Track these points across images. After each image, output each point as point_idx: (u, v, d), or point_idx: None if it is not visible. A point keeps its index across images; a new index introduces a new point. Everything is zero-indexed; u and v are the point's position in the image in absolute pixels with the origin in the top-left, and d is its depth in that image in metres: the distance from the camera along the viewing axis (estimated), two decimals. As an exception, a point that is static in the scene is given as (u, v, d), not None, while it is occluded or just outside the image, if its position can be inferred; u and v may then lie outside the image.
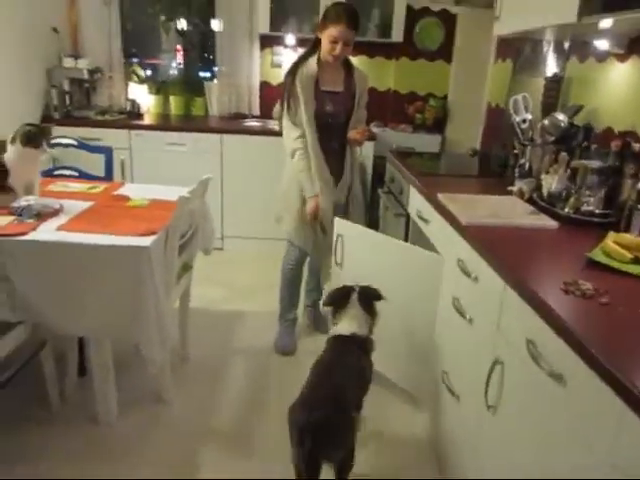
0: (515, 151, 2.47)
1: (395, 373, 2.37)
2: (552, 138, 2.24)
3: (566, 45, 2.54)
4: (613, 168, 1.86)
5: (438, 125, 4.24)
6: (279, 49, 4.24)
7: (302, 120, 2.45)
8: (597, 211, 1.86)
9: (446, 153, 4.06)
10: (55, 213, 2.09)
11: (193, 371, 2.59)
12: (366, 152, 3.79)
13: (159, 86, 4.39)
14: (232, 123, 4.09)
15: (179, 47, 4.54)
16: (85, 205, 2.23)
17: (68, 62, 3.81)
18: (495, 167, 2.81)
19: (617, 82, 2.14)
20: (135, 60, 4.40)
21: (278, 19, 3.91)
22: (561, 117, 2.22)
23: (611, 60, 2.17)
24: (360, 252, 2.39)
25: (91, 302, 1.90)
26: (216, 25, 4.16)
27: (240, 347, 2.82)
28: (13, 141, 2.11)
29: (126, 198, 2.35)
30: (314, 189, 2.50)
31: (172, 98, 4.34)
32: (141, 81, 4.31)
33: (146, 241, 1.89)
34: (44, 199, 2.15)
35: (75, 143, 2.89)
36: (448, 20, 4.11)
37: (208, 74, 4.49)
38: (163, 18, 4.39)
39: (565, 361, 1.13)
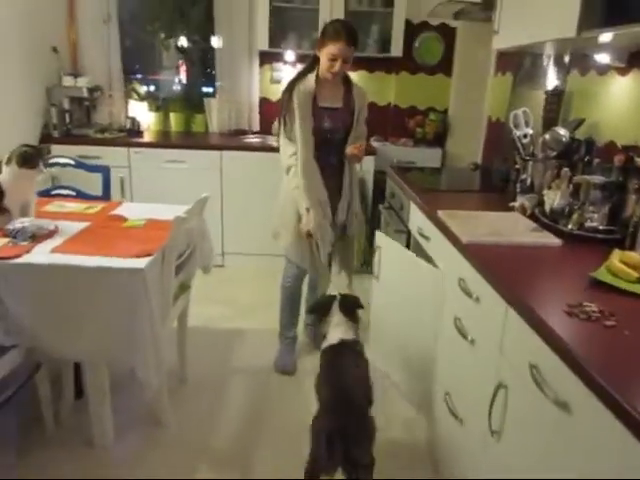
0: (516, 166, 2.44)
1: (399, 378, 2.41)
2: (554, 153, 2.21)
3: (566, 58, 2.51)
4: (617, 184, 1.83)
5: (439, 139, 4.21)
6: (279, 65, 4.24)
7: (297, 137, 2.44)
8: (601, 227, 1.82)
9: (447, 167, 4.03)
10: (50, 235, 2.06)
11: (192, 392, 2.54)
12: (366, 167, 3.77)
13: (159, 103, 4.39)
14: (232, 139, 4.08)
15: (181, 62, 4.55)
16: (81, 226, 2.21)
17: (68, 81, 3.81)
18: (497, 182, 2.78)
19: (618, 95, 2.11)
20: (136, 77, 4.41)
21: (277, 35, 3.91)
22: (562, 132, 2.19)
23: (612, 73, 2.14)
24: (393, 266, 2.43)
25: (85, 326, 1.87)
26: (216, 42, 4.16)
27: (239, 366, 2.78)
28: (9, 162, 2.09)
29: (122, 218, 2.32)
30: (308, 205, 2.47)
31: (172, 115, 4.33)
32: (141, 98, 4.32)
33: (141, 263, 1.86)
34: (39, 220, 2.13)
35: (72, 162, 2.88)
36: (447, 34, 4.10)
37: (210, 89, 4.48)
38: (162, 36, 4.41)
39: (570, 388, 1.08)
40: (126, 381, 2.38)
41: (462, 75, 4.06)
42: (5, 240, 1.97)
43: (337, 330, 2.03)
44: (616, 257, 1.52)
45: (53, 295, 1.86)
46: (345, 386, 1.75)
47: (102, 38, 3.99)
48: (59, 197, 2.75)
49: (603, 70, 2.20)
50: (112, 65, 4.08)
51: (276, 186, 2.70)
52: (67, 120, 3.83)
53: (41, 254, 1.91)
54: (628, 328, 1.18)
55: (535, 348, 1.23)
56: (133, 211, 2.44)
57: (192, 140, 4.10)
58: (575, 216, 1.88)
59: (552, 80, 2.63)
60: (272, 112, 4.05)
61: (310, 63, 2.51)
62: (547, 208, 2.04)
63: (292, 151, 2.47)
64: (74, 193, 2.85)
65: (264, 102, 4.30)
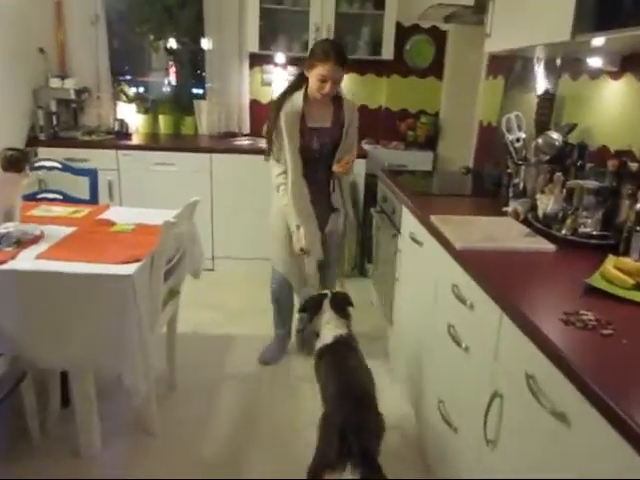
0: (509, 170, 2.42)
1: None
2: (546, 157, 2.20)
3: (558, 62, 2.50)
4: (610, 189, 1.82)
5: (430, 142, 4.20)
6: (269, 67, 4.21)
7: (285, 155, 2.44)
8: (595, 233, 1.81)
9: (438, 171, 4.02)
10: (35, 240, 2.01)
11: (181, 398, 2.50)
12: (358, 170, 3.74)
13: (148, 105, 4.34)
14: (222, 142, 4.03)
15: (171, 64, 4.51)
16: (67, 231, 2.16)
17: (55, 82, 3.75)
18: (489, 186, 2.76)
19: (611, 100, 2.10)
20: (124, 79, 4.35)
21: (267, 38, 3.88)
22: (555, 136, 2.18)
23: (604, 78, 2.13)
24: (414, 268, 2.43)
25: (72, 333, 1.82)
26: (206, 44, 4.12)
27: (229, 372, 2.75)
28: (-7, 166, 2.05)
29: (110, 223, 2.28)
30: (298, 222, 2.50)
31: (161, 117, 4.28)
32: (130, 100, 4.26)
33: (129, 269, 1.82)
34: (24, 225, 2.08)
35: (59, 166, 2.83)
36: (438, 37, 4.10)
37: (200, 91, 4.44)
38: (152, 37, 4.36)
39: (568, 399, 1.06)
40: (113, 387, 2.33)
41: (453, 78, 4.05)
42: (-11, 246, 1.92)
43: (329, 328, 2.07)
44: (610, 263, 1.51)
45: (39, 302, 1.81)
46: (354, 381, 1.79)
47: (90, 39, 3.94)
48: (45, 201, 2.70)
49: (595, 74, 2.19)
50: (100, 66, 4.02)
51: (267, 189, 2.68)
52: (54, 122, 3.76)
53: (26, 260, 1.86)
54: (626, 337, 1.16)
55: (531, 356, 1.21)
56: (121, 215, 2.40)
57: (182, 142, 4.05)
58: (569, 221, 1.86)
59: (544, 84, 2.62)
60: (262, 114, 4.01)
61: (298, 81, 2.47)
62: (540, 213, 2.02)
63: (279, 171, 2.51)
64: (61, 197, 2.81)
65: (254, 104, 4.26)
